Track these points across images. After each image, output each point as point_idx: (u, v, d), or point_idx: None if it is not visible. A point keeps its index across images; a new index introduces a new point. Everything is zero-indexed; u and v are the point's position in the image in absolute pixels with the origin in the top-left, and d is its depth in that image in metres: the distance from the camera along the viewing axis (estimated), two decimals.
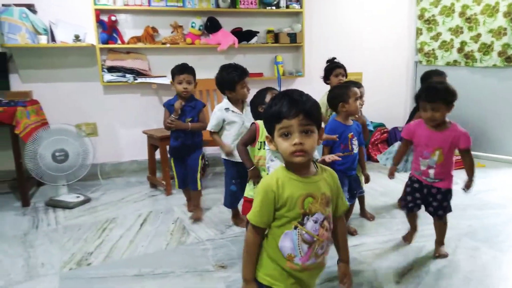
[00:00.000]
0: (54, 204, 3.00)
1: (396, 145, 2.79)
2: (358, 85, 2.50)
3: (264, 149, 1.96)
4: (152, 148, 3.42)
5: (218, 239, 2.41)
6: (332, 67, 2.90)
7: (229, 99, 2.41)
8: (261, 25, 4.08)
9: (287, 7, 4.03)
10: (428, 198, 2.09)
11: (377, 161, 4.07)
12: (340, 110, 2.16)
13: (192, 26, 3.77)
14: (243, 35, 3.93)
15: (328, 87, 2.86)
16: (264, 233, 1.18)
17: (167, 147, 2.91)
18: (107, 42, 3.56)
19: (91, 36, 3.50)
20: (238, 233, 2.46)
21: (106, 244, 2.36)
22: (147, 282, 1.95)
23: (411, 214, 2.23)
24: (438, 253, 2.12)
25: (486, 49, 4.01)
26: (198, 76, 3.80)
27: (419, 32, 4.59)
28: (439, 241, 2.16)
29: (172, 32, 3.80)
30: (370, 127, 2.61)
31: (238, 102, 2.41)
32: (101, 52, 3.57)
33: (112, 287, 1.92)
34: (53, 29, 3.39)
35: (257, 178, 2.01)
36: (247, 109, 2.39)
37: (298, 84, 4.22)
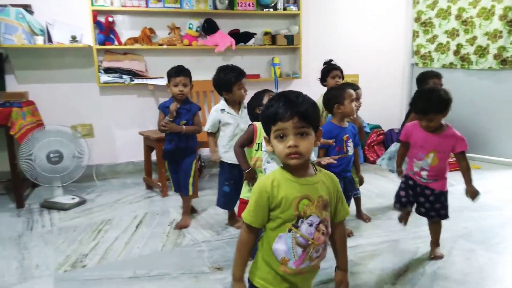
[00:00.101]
0: (49, 206, 2.98)
1: (393, 146, 2.80)
2: (355, 87, 2.51)
3: (261, 150, 1.96)
4: (148, 149, 3.42)
5: (214, 240, 2.40)
6: (329, 69, 2.91)
7: (226, 100, 2.41)
8: (258, 26, 4.09)
9: (285, 9, 4.04)
10: (420, 198, 2.09)
11: (374, 163, 4.09)
12: (335, 112, 2.16)
13: (189, 28, 3.77)
14: (240, 37, 3.93)
15: (325, 89, 2.86)
16: (258, 233, 1.17)
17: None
18: (104, 43, 3.55)
19: (88, 37, 3.50)
20: (234, 235, 2.46)
21: (101, 246, 2.35)
22: (143, 284, 1.94)
23: (403, 210, 2.21)
24: (433, 255, 2.13)
25: (482, 51, 4.03)
26: (195, 78, 3.80)
27: (415, 34, 4.60)
28: (434, 242, 2.16)
29: (169, 34, 3.79)
30: (367, 129, 2.62)
31: (235, 103, 2.41)
32: (98, 53, 3.56)
33: None
34: (49, 29, 3.38)
35: (252, 180, 2.00)
36: (244, 111, 2.39)
37: (295, 86, 4.23)
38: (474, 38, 4.06)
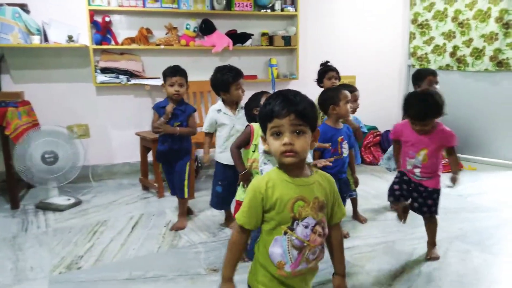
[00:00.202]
0: (44, 207, 2.96)
1: (391, 147, 2.81)
2: (353, 88, 2.51)
3: (258, 152, 1.96)
4: (144, 150, 3.40)
5: (211, 242, 2.39)
6: (325, 70, 2.91)
7: (223, 100, 2.41)
8: (255, 27, 4.09)
9: (282, 10, 4.04)
10: (414, 194, 2.09)
11: (370, 164, 4.10)
12: (330, 113, 2.15)
13: (186, 28, 3.77)
14: (237, 37, 3.93)
15: (321, 90, 2.87)
16: (250, 234, 1.17)
17: None
18: (101, 43, 3.53)
19: (84, 37, 3.48)
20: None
21: (97, 247, 2.33)
22: (138, 285, 1.93)
23: (396, 204, 2.18)
24: (429, 256, 2.13)
25: (478, 53, 4.05)
26: (192, 78, 3.78)
27: (412, 36, 4.62)
28: (431, 242, 2.16)
29: (166, 34, 3.78)
30: (364, 129, 2.62)
31: (232, 104, 2.41)
32: (95, 53, 3.55)
33: None
34: (46, 29, 3.36)
35: (248, 182, 2.00)
36: (240, 111, 2.38)
37: (292, 87, 4.17)
38: (470, 40, 4.08)
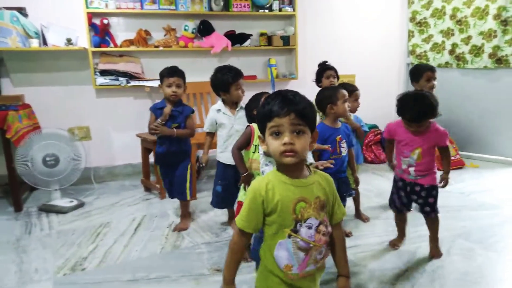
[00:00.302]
0: (47, 209, 2.96)
1: None
2: (354, 87, 2.51)
3: (258, 152, 1.96)
4: (145, 151, 3.41)
5: (214, 242, 2.40)
6: (323, 69, 2.90)
7: (223, 101, 2.41)
8: (254, 28, 4.09)
9: (280, 10, 4.05)
10: (412, 196, 2.10)
11: (372, 163, 4.10)
12: (328, 112, 2.12)
13: (185, 29, 3.77)
14: (236, 38, 3.93)
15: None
16: (251, 237, 1.16)
17: None
18: (100, 45, 3.54)
19: (83, 40, 3.48)
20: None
21: (100, 249, 2.34)
22: (142, 287, 1.93)
23: (399, 217, 2.24)
24: (432, 254, 2.13)
25: (476, 51, 4.05)
26: (191, 79, 3.79)
27: (411, 34, 4.63)
28: (433, 239, 2.14)
29: (165, 35, 3.79)
30: (365, 128, 2.62)
31: (232, 104, 2.41)
32: (94, 55, 3.55)
33: None
34: (44, 32, 3.36)
35: (249, 183, 1.99)
36: (239, 112, 2.39)
37: (292, 87, 4.23)
38: (469, 37, 4.09)
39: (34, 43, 3.27)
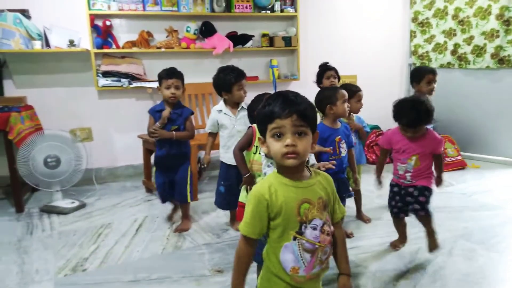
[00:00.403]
0: (48, 210, 2.97)
1: None
2: (357, 88, 2.51)
3: (259, 153, 1.96)
4: (147, 152, 3.41)
5: (215, 243, 2.40)
6: (323, 70, 2.90)
7: (225, 101, 2.42)
8: (256, 29, 4.10)
9: (282, 11, 4.05)
10: (407, 198, 2.09)
11: (373, 163, 4.08)
12: (327, 113, 2.11)
13: (187, 31, 3.78)
14: (238, 39, 3.94)
15: None
16: (257, 243, 1.12)
17: None
18: (102, 47, 3.55)
19: (85, 41, 3.50)
20: (234, 237, 2.46)
21: (102, 250, 2.34)
22: (143, 287, 1.93)
23: (397, 221, 2.23)
24: (430, 247, 2.11)
25: (479, 51, 4.04)
26: (193, 80, 3.80)
27: (413, 34, 4.62)
28: (429, 233, 2.10)
29: (167, 37, 3.80)
30: (367, 129, 2.62)
31: (234, 104, 2.41)
32: (96, 57, 3.56)
33: None
34: (47, 34, 3.38)
35: (251, 184, 1.99)
36: (240, 112, 2.39)
37: (293, 87, 4.24)
38: (471, 37, 4.08)
39: (37, 45, 3.29)
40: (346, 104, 2.10)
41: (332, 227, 1.15)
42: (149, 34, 3.72)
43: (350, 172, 2.36)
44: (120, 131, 3.84)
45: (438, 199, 2.92)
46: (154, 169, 2.59)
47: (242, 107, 2.40)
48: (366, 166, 3.94)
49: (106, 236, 2.53)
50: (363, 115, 2.63)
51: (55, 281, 2.01)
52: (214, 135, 2.50)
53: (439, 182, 2.12)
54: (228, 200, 2.45)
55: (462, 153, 4.00)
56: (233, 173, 2.30)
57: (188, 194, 2.57)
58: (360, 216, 2.68)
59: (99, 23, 3.53)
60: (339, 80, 2.93)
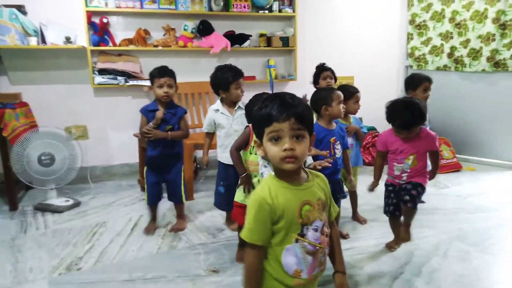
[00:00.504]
0: (43, 208, 2.95)
1: None
2: (355, 89, 2.51)
3: (255, 154, 1.95)
4: (143, 151, 3.38)
5: (210, 243, 2.39)
6: (320, 71, 2.91)
7: (222, 100, 2.41)
8: (253, 28, 4.09)
9: (280, 11, 4.05)
10: (401, 193, 2.09)
11: (369, 165, 4.10)
12: (323, 114, 2.09)
13: (184, 29, 3.76)
14: (235, 39, 3.93)
15: None
16: (265, 253, 1.08)
17: None
18: (98, 44, 3.53)
19: (82, 38, 3.47)
20: (230, 237, 2.45)
21: (96, 249, 2.33)
22: (138, 287, 1.92)
23: (393, 221, 2.23)
24: (402, 237, 2.14)
25: (475, 54, 4.06)
26: (190, 79, 3.79)
27: (410, 37, 4.64)
28: (405, 224, 2.11)
29: (164, 35, 3.78)
30: (364, 130, 2.63)
31: (230, 103, 2.40)
32: (92, 54, 3.54)
33: None
34: (43, 30, 3.35)
35: (248, 184, 1.99)
36: (237, 112, 2.38)
37: (291, 88, 4.24)
38: (468, 40, 4.10)
39: (33, 41, 3.26)
40: (341, 106, 2.09)
41: (329, 228, 1.15)
42: (146, 32, 3.70)
43: (345, 173, 2.35)
44: (115, 129, 3.82)
45: (434, 201, 2.96)
46: (145, 168, 2.53)
47: (239, 106, 2.40)
48: (362, 168, 3.96)
49: (101, 235, 2.51)
50: (359, 116, 2.64)
51: (49, 280, 1.99)
52: (211, 135, 2.49)
53: (432, 174, 2.15)
54: (228, 201, 2.42)
55: (457, 155, 4.02)
56: (232, 172, 2.29)
57: (183, 194, 2.57)
58: (356, 217, 2.68)
59: (96, 20, 3.50)
60: (335, 81, 2.94)
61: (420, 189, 2.05)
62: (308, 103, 2.26)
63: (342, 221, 2.60)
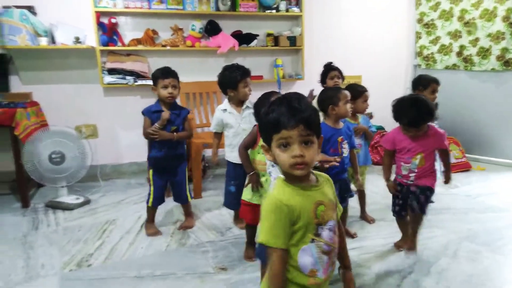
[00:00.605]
0: (54, 206, 2.99)
1: None
2: (363, 88, 2.51)
3: (262, 153, 1.95)
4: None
5: (218, 241, 2.40)
6: (327, 70, 2.90)
7: (230, 99, 2.42)
8: (261, 28, 4.10)
9: (287, 10, 4.05)
10: (408, 195, 2.09)
11: (377, 164, 4.08)
12: (330, 113, 2.09)
13: (192, 29, 3.78)
14: (243, 38, 3.94)
15: None
16: (287, 254, 1.05)
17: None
18: (107, 44, 3.56)
19: (91, 38, 3.51)
20: (238, 235, 2.46)
21: (106, 246, 2.35)
22: (147, 283, 1.94)
23: (400, 220, 2.22)
24: (407, 246, 2.12)
25: (484, 53, 4.03)
26: (198, 79, 3.82)
27: (418, 36, 4.61)
28: (412, 233, 2.10)
29: (172, 35, 3.80)
30: (373, 129, 2.62)
31: (238, 102, 2.41)
32: (101, 54, 3.57)
33: None
34: (53, 31, 3.40)
35: (256, 183, 1.99)
36: (245, 111, 2.39)
37: (298, 87, 4.24)
38: (477, 39, 4.06)
39: (43, 42, 3.31)
40: (348, 105, 2.09)
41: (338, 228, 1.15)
42: (154, 32, 3.73)
43: (352, 172, 2.35)
44: (125, 128, 3.85)
45: (443, 201, 2.94)
46: (151, 171, 2.50)
47: (247, 105, 2.41)
48: (370, 167, 3.94)
49: (110, 232, 2.54)
50: (370, 111, 2.63)
51: (60, 276, 2.02)
52: (219, 135, 2.50)
53: (447, 178, 2.11)
54: (238, 199, 2.43)
55: (467, 155, 3.98)
56: (241, 171, 2.28)
57: (188, 194, 2.60)
58: (364, 216, 2.68)
59: (105, 20, 3.54)
60: (343, 80, 2.93)
61: (428, 193, 2.04)
62: (315, 98, 2.27)
63: (350, 220, 2.59)
